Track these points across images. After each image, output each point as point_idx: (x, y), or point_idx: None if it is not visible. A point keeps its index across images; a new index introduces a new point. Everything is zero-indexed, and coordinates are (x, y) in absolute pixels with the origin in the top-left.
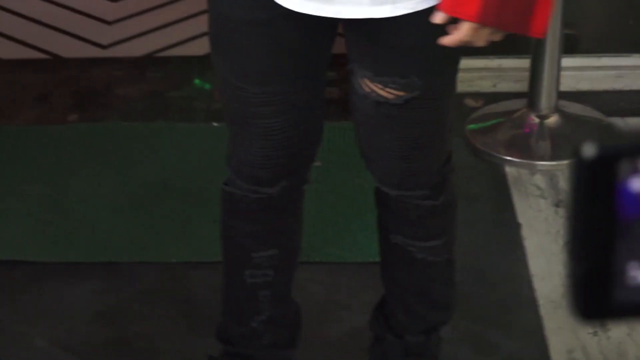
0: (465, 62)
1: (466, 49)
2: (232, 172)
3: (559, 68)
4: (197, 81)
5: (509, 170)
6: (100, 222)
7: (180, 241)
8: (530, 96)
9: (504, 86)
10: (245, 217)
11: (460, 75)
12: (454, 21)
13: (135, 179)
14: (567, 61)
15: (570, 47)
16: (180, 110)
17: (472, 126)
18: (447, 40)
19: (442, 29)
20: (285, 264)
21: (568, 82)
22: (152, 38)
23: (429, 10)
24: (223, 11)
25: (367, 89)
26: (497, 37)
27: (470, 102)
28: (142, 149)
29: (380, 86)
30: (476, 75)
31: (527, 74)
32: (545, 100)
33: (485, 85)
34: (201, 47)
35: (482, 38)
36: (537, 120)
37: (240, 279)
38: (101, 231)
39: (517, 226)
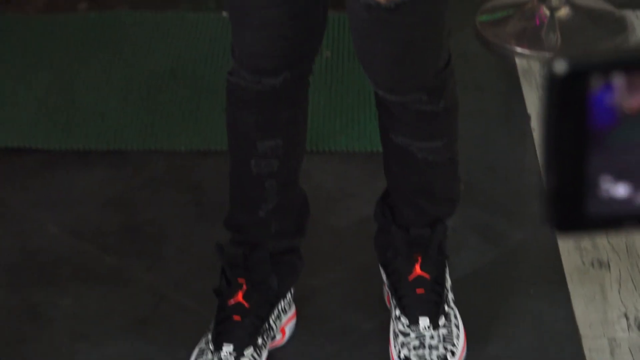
0: None
1: None
2: (236, 62)
3: None
4: None
5: (519, 62)
6: (110, 111)
7: (189, 129)
8: None
9: None
10: (250, 107)
11: None
12: None
13: (145, 68)
14: None
15: None
16: (190, 0)
17: (482, 18)
18: None
19: None
20: (290, 154)
21: None
22: None
23: None
24: None
25: None
26: None
27: None
28: (152, 38)
29: None
30: None
31: None
32: None
33: None
34: None
35: None
36: (547, 12)
37: (246, 168)
38: (111, 119)
39: (526, 117)
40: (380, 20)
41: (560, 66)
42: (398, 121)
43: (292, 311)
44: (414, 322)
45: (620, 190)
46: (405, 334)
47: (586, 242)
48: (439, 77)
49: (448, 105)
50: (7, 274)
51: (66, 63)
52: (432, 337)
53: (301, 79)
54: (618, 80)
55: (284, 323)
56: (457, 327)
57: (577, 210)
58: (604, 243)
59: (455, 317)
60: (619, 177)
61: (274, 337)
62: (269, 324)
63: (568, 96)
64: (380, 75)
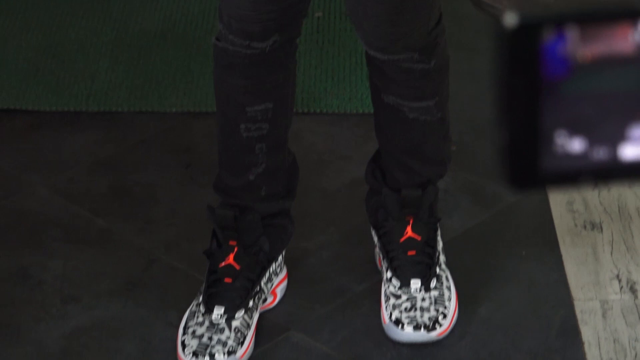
0: None
1: None
2: (224, 27)
3: None
4: None
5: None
6: (100, 72)
7: (179, 91)
8: None
9: None
10: (239, 72)
11: None
12: None
13: (135, 29)
14: None
15: None
16: None
17: None
18: None
19: None
20: (280, 117)
21: None
22: None
23: None
24: None
25: None
26: None
27: None
28: None
29: None
30: None
31: None
32: None
33: None
34: None
35: None
36: None
37: (236, 133)
38: (101, 80)
39: None
40: None
41: (511, 19)
42: (389, 80)
43: (283, 274)
44: (405, 284)
45: (576, 145)
46: (397, 296)
47: (578, 204)
48: (431, 36)
49: (439, 64)
50: None
51: (56, 24)
52: (423, 299)
53: (290, 42)
54: (571, 31)
55: (275, 285)
56: (449, 289)
57: (532, 166)
58: (596, 204)
59: (447, 279)
60: (574, 131)
61: (265, 300)
62: (260, 287)
63: (520, 49)
64: (372, 35)
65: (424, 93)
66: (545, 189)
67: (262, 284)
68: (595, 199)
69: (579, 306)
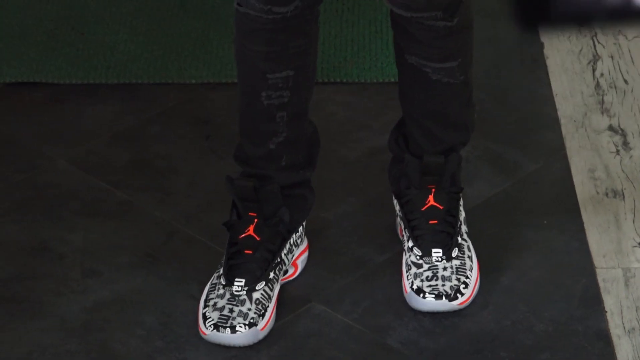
0: None
1: None
2: None
3: None
4: None
5: None
6: (119, 43)
7: (199, 61)
8: None
9: None
10: (260, 38)
11: None
12: None
13: (154, 0)
14: None
15: None
16: None
17: None
18: None
19: None
20: (301, 85)
21: None
22: None
23: None
24: None
25: None
26: None
27: None
28: None
29: None
30: None
31: None
32: None
33: None
34: None
35: None
36: None
37: (257, 100)
38: (120, 52)
39: (539, 45)
40: None
41: None
42: (412, 40)
43: (304, 245)
44: (426, 253)
45: None
46: (418, 265)
47: (600, 171)
48: None
49: (462, 23)
50: (16, 210)
51: None
52: (445, 269)
53: (312, 8)
54: None
55: (296, 257)
56: (471, 259)
57: (544, 6)
58: (618, 172)
59: (469, 249)
60: None
61: (286, 272)
62: (281, 258)
63: None
64: None
65: (447, 53)
66: (555, 28)
67: (283, 255)
68: (617, 166)
69: (601, 274)
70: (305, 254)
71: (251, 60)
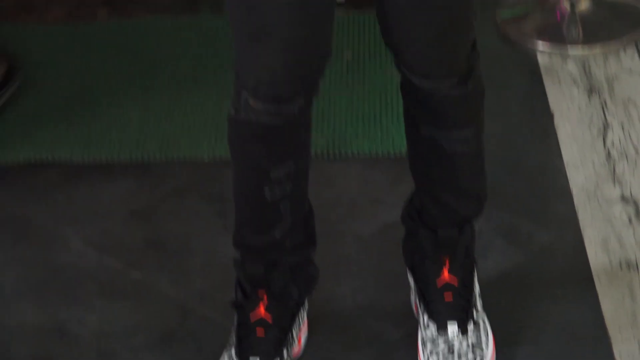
0: None
1: None
2: (250, 94)
3: None
4: None
5: (540, 57)
6: (131, 120)
7: (211, 137)
8: None
9: None
10: (263, 139)
11: None
12: None
13: (165, 75)
14: None
15: None
16: (208, 4)
17: (503, 14)
18: None
19: None
20: (301, 174)
21: None
22: None
23: None
24: None
25: None
26: None
27: None
28: (171, 45)
29: None
30: None
31: None
32: None
33: None
34: None
35: None
36: (568, 6)
37: (259, 195)
38: (132, 129)
39: (549, 115)
40: (419, 2)
41: None
42: (427, 109)
43: (305, 319)
44: (442, 328)
45: None
46: (434, 341)
47: (613, 242)
48: (469, 59)
49: (476, 89)
50: (33, 291)
51: (86, 72)
52: (461, 344)
53: (311, 102)
54: None
55: (300, 332)
56: (486, 333)
57: None
58: (631, 242)
59: (484, 322)
60: None
61: (295, 349)
62: (292, 335)
63: None
64: (418, 61)
65: (460, 121)
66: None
67: (293, 331)
68: (630, 237)
69: (617, 347)
70: (306, 329)
71: (253, 160)
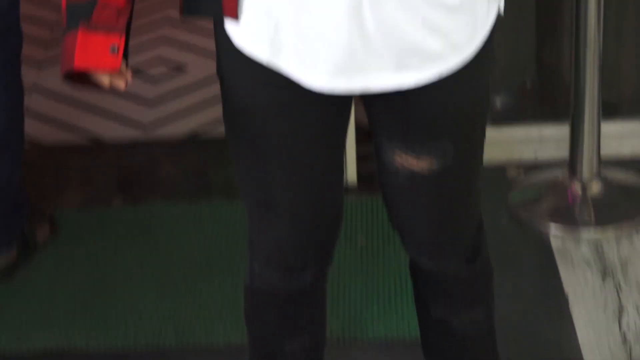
0: (505, 132)
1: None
2: (259, 265)
3: (599, 134)
4: None
5: (553, 240)
6: (147, 307)
7: (227, 323)
8: (571, 163)
9: (546, 154)
10: (278, 308)
11: (501, 145)
12: None
13: (180, 261)
14: (607, 126)
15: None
16: (222, 191)
17: (514, 197)
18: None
19: (469, 90)
20: (316, 351)
21: (611, 147)
22: (192, 118)
23: (455, 74)
24: (242, 94)
25: (398, 163)
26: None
27: (512, 172)
28: (186, 230)
29: (412, 155)
30: (517, 145)
31: (568, 141)
32: (587, 166)
33: (527, 154)
34: None
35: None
36: (579, 188)
37: None
38: (148, 316)
39: (564, 297)
40: (422, 188)
41: None
42: (435, 290)
43: None
44: None
45: None
46: None
47: None
48: (475, 240)
49: (485, 269)
50: None
51: (102, 258)
52: None
53: (325, 273)
54: None
55: None
56: None
57: None
58: None
59: None
60: None
61: None
62: None
63: None
64: (422, 244)
65: (470, 302)
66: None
67: None
68: None
69: None
70: None
71: (266, 329)
